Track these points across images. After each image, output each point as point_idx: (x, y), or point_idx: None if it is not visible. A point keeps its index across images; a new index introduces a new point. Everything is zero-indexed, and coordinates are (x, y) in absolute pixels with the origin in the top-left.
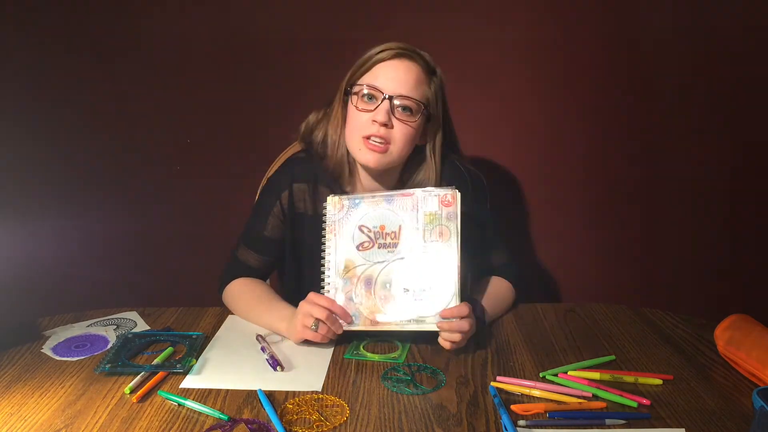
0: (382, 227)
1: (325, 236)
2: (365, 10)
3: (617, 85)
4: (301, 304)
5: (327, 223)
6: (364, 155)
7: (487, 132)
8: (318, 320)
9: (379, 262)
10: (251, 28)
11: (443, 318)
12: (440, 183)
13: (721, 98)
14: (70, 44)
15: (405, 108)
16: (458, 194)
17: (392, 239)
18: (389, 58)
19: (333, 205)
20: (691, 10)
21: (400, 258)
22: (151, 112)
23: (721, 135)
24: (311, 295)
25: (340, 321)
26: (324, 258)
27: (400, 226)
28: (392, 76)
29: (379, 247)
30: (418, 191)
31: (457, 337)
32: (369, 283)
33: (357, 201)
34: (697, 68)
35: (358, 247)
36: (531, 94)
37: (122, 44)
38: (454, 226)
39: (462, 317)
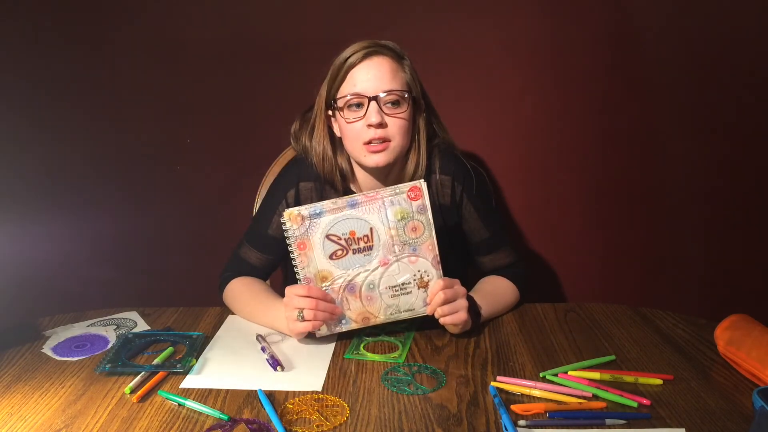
0: (353, 233)
1: (292, 253)
2: (365, 10)
3: (618, 84)
4: (283, 302)
5: (290, 239)
6: (371, 159)
7: (487, 131)
8: (302, 309)
9: (361, 272)
10: (251, 28)
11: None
12: (431, 167)
13: (722, 98)
14: (70, 43)
15: (393, 102)
16: (424, 185)
17: (366, 243)
18: (359, 61)
19: (292, 219)
20: (692, 10)
21: (379, 261)
22: (152, 112)
23: (721, 135)
24: (287, 290)
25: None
26: (297, 274)
27: (371, 229)
28: (369, 77)
29: (354, 253)
30: (381, 191)
31: (440, 311)
32: (353, 289)
33: (317, 210)
34: (698, 67)
35: (331, 257)
36: (531, 93)
37: (122, 44)
38: (426, 219)
39: (439, 290)
